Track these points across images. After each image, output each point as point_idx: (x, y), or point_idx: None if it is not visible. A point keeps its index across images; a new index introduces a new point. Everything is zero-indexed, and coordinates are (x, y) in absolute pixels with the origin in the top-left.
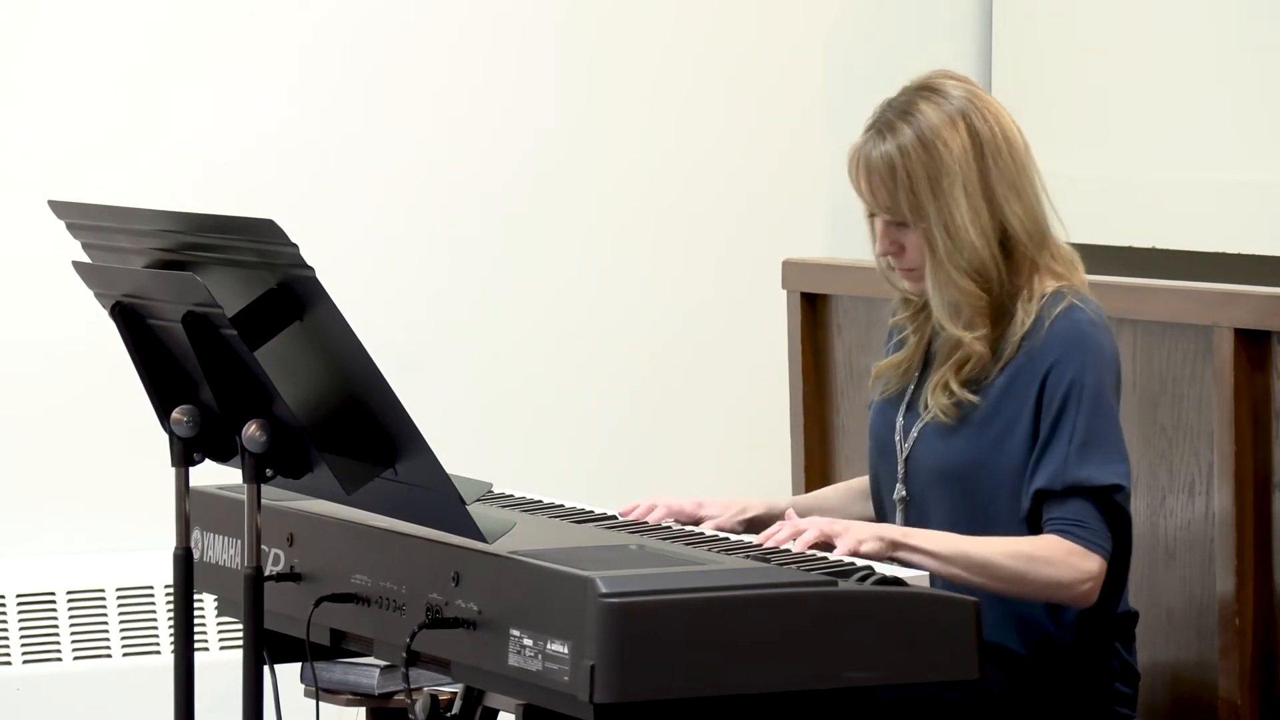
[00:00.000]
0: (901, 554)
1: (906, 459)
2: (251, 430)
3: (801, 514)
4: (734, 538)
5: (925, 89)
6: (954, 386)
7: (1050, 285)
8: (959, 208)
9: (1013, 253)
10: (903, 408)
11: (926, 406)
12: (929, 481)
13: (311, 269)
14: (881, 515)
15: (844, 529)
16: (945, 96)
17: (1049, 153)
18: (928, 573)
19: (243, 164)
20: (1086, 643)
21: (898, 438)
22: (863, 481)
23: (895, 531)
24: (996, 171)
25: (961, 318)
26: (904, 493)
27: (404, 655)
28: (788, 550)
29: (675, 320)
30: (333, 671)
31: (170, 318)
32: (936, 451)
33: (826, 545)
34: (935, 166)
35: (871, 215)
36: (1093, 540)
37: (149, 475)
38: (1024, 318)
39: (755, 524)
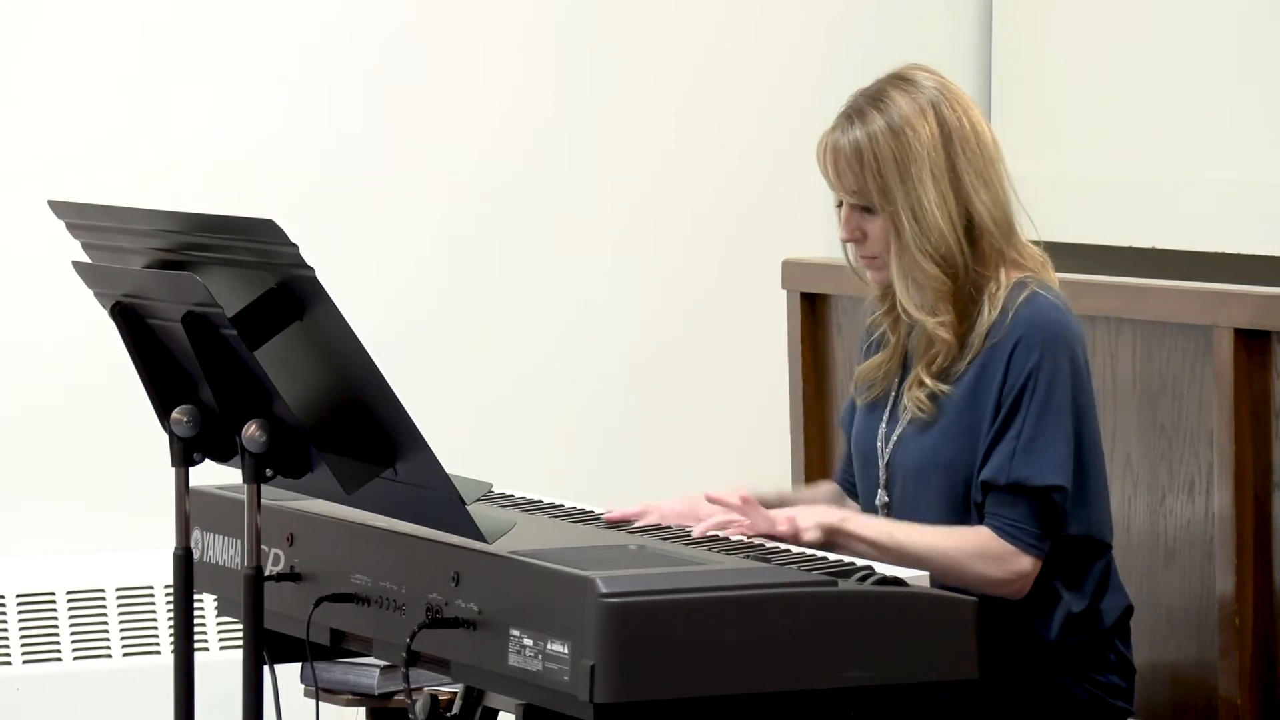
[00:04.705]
0: (840, 540)
1: (888, 463)
2: (251, 430)
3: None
4: (735, 537)
5: (897, 79)
6: (926, 379)
7: (1016, 277)
8: (927, 193)
9: (979, 241)
10: (885, 415)
11: (906, 409)
12: (909, 480)
13: (311, 269)
14: None
15: (787, 520)
16: (917, 86)
17: (1049, 153)
18: (927, 573)
19: (243, 164)
20: (1074, 635)
21: (879, 444)
22: (830, 488)
23: (835, 517)
24: (964, 160)
25: (926, 303)
26: (886, 498)
27: (404, 655)
28: (788, 550)
29: (675, 320)
30: (333, 671)
31: (170, 318)
32: (915, 448)
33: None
34: (904, 152)
35: (839, 205)
36: (1026, 540)
37: (149, 475)
38: (990, 310)
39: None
